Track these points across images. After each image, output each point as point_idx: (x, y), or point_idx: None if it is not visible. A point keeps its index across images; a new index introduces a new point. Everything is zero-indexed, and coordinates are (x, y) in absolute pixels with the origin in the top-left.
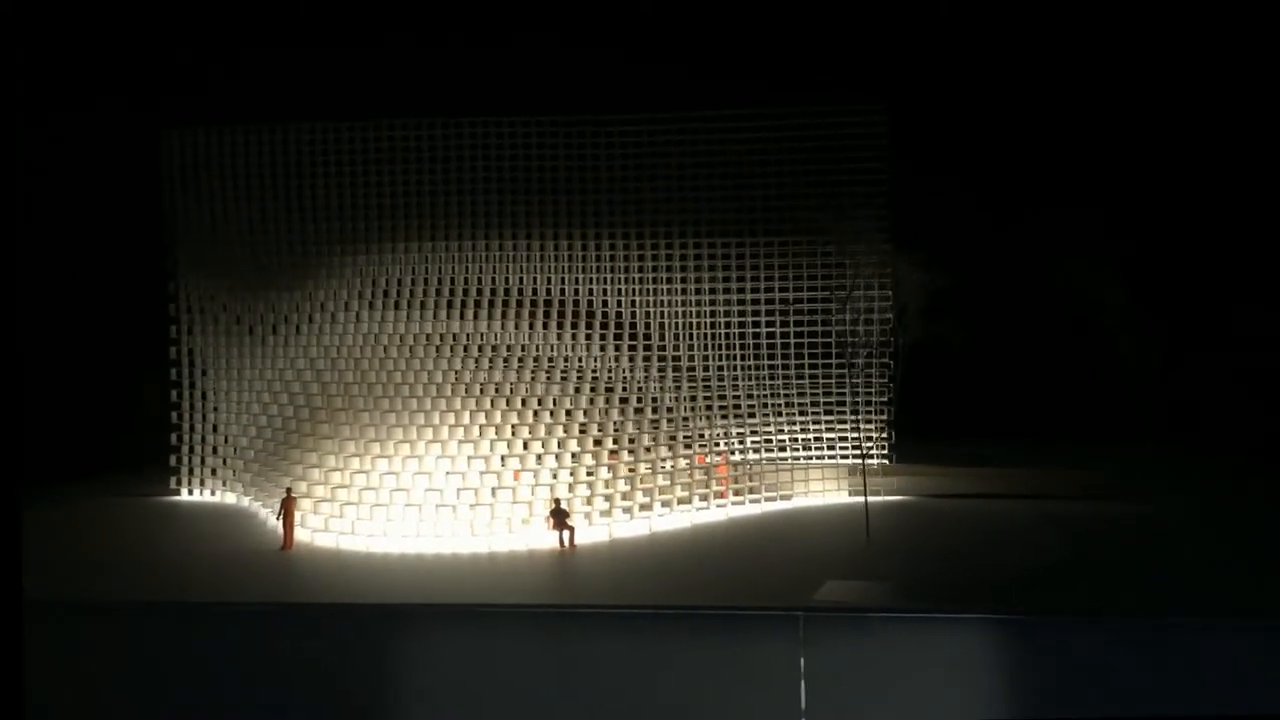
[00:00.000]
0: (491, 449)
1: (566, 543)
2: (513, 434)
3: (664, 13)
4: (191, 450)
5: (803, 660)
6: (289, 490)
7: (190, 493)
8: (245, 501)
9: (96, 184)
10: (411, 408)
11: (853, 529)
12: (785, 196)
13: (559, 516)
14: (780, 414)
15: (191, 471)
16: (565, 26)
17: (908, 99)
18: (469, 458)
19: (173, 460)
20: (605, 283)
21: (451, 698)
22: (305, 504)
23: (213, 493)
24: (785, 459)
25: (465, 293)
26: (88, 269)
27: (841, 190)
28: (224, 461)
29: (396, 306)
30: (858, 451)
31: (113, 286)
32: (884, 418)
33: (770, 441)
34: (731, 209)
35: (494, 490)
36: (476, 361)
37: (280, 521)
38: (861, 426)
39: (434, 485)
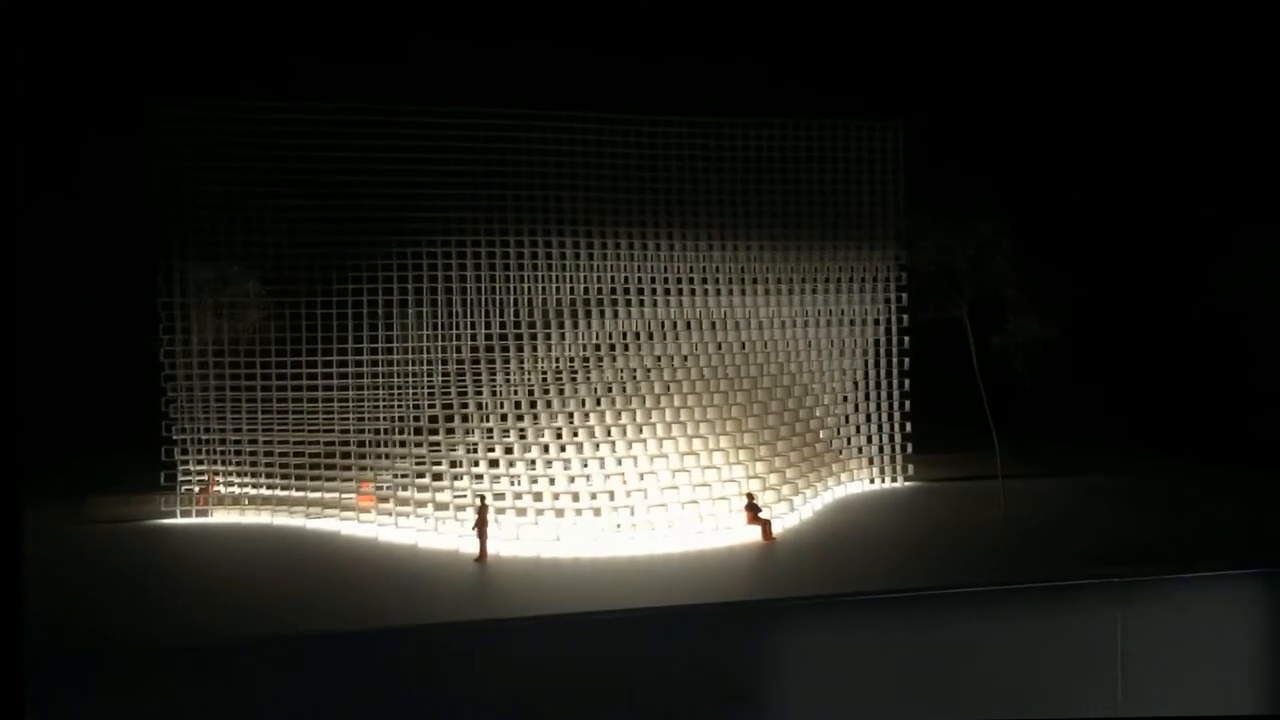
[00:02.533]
0: (676, 446)
1: (767, 533)
2: (692, 432)
3: (663, 16)
4: (192, 466)
5: (1120, 617)
6: (482, 499)
7: (186, 515)
8: (289, 521)
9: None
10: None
11: (964, 507)
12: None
13: (754, 510)
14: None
15: (192, 492)
16: (561, 27)
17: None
18: (653, 457)
19: (162, 478)
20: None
21: (835, 681)
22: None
23: (208, 515)
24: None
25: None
26: (63, 258)
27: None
28: (240, 477)
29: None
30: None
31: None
32: (903, 409)
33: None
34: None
35: (694, 487)
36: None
37: (475, 533)
38: (989, 414)
39: (634, 486)
